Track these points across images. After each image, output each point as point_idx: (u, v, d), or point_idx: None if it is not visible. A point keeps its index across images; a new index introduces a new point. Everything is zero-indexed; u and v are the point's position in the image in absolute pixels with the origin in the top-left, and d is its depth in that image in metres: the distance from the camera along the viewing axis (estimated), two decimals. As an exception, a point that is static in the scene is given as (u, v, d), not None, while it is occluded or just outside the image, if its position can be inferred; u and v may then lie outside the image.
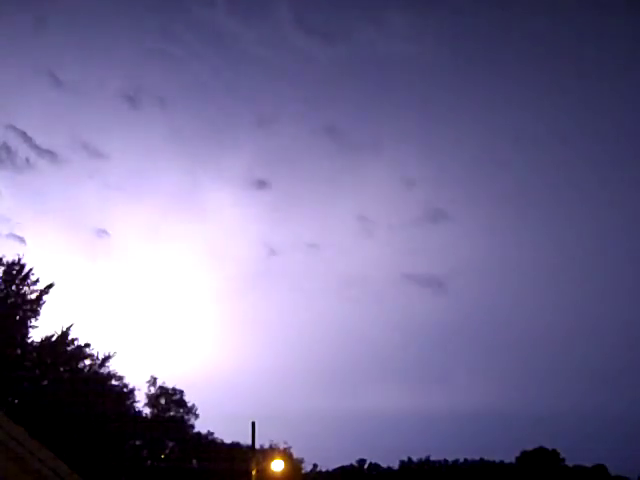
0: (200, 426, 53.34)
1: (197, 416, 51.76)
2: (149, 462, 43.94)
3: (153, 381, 50.84)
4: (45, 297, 33.86)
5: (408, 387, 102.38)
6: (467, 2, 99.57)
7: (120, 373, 38.24)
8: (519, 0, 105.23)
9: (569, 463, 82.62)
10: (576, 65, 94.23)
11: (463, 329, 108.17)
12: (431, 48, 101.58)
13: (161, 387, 51.15)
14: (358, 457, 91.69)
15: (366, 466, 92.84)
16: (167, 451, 47.58)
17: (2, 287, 33.13)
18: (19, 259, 33.70)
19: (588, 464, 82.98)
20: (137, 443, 43.62)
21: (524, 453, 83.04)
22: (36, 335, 33.75)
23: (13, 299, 33.25)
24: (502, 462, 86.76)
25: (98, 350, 35.93)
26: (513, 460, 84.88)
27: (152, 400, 50.32)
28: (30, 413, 26.81)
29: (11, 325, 32.39)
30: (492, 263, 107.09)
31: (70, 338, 34.55)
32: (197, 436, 52.11)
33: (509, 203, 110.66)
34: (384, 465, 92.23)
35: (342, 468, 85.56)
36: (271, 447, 52.97)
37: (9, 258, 33.59)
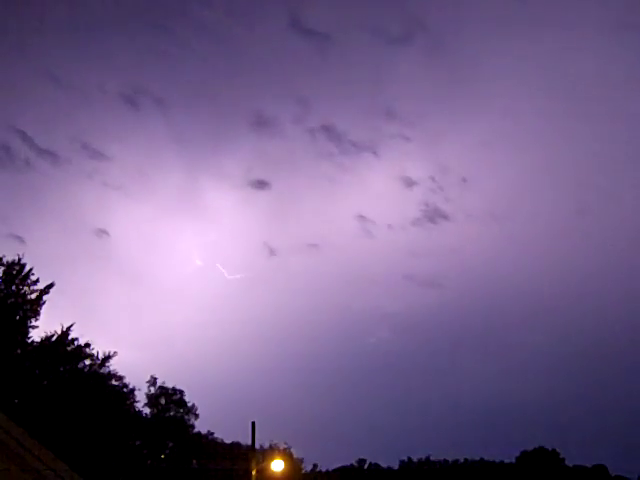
0: (200, 426, 53.48)
1: (197, 416, 51.89)
2: (149, 462, 44.01)
3: (153, 381, 50.97)
4: (45, 297, 33.90)
5: (408, 387, 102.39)
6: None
7: (120, 373, 38.33)
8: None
9: (569, 463, 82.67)
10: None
11: (462, 329, 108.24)
12: (429, 49, 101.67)
13: (161, 387, 51.25)
14: (358, 457, 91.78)
15: (366, 466, 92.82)
16: (167, 451, 47.64)
17: (2, 287, 33.13)
18: (19, 259, 33.72)
19: (588, 464, 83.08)
20: (137, 443, 43.66)
21: (524, 453, 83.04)
22: (36, 335, 33.79)
23: (13, 299, 33.24)
24: (502, 462, 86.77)
25: (98, 350, 35.99)
26: (513, 460, 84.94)
27: (152, 400, 50.39)
28: (30, 413, 26.81)
29: (11, 325, 32.38)
30: (491, 263, 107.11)
31: (70, 338, 34.57)
32: (197, 436, 52.18)
33: (508, 202, 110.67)
34: (384, 465, 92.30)
35: (342, 468, 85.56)
36: (271, 447, 53.02)
37: (9, 258, 33.63)
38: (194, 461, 47.83)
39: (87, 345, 35.36)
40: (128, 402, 40.91)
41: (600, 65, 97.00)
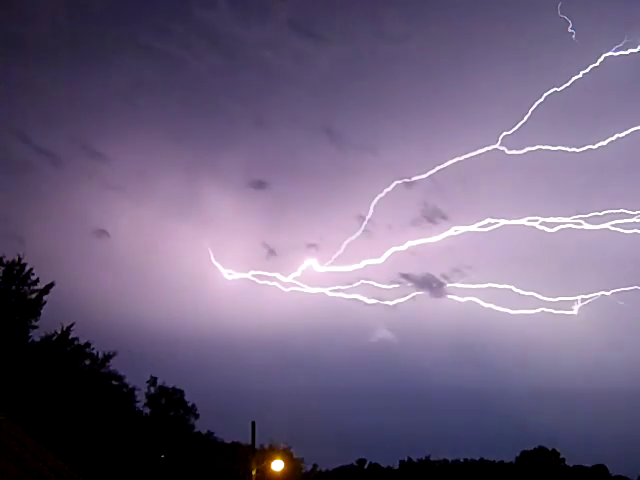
0: (200, 426, 53.44)
1: (197, 416, 51.87)
2: (149, 462, 43.94)
3: (153, 381, 50.90)
4: (45, 297, 33.88)
5: (408, 387, 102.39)
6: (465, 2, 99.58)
7: (120, 373, 38.35)
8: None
9: (569, 463, 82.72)
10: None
11: (462, 330, 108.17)
12: (429, 48, 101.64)
13: (161, 387, 51.19)
14: (358, 457, 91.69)
15: (366, 466, 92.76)
16: (167, 451, 47.60)
17: (2, 287, 33.11)
18: (19, 259, 33.70)
19: (588, 464, 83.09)
20: (137, 443, 43.63)
21: (524, 453, 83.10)
22: (36, 335, 33.79)
23: (13, 299, 33.24)
24: (502, 462, 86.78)
25: (98, 350, 36.00)
26: (513, 460, 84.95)
27: (152, 400, 50.36)
28: (30, 413, 26.81)
29: (11, 325, 32.38)
30: (490, 263, 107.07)
31: (70, 338, 34.57)
32: (197, 436, 52.14)
33: (508, 202, 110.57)
34: (384, 465, 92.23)
35: (342, 468, 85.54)
36: (271, 447, 53.01)
37: (9, 258, 33.61)
38: (194, 461, 47.77)
39: (87, 345, 35.39)
40: (128, 402, 40.95)
41: (602, 66, 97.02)
